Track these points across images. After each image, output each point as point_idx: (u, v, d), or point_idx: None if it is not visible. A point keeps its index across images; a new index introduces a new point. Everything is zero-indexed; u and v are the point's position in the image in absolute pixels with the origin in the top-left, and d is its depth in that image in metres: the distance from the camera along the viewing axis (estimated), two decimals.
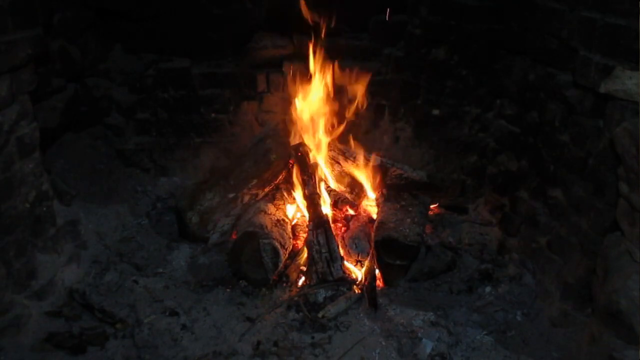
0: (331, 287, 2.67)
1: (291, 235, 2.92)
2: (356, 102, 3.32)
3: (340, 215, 3.21)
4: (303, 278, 2.78)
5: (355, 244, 2.93)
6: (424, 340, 2.36)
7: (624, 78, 2.06)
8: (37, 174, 2.48)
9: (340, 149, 3.30)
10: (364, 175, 3.21)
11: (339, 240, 2.89)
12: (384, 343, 2.38)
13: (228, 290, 2.69)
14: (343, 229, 3.11)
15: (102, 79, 3.34)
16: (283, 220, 2.96)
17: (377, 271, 2.73)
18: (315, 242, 2.73)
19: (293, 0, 3.14)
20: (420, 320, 2.49)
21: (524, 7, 2.84)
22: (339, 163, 3.26)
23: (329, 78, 3.25)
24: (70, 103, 3.10)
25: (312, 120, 3.27)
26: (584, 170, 2.38)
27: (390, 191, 3.10)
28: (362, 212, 3.19)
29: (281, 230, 2.83)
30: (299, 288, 2.72)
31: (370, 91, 3.44)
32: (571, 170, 2.49)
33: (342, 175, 3.26)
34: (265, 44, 3.41)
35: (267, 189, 3.14)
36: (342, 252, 2.85)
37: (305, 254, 2.85)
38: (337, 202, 3.27)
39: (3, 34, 2.18)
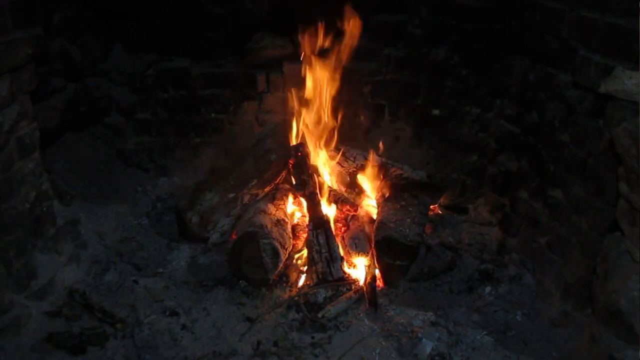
0: (331, 287, 2.67)
1: (291, 235, 2.92)
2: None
3: (340, 215, 3.21)
4: (303, 278, 2.78)
5: (355, 244, 2.93)
6: (424, 340, 2.36)
7: (624, 78, 2.06)
8: (37, 174, 2.48)
9: (340, 149, 3.30)
10: (364, 175, 3.21)
11: (339, 240, 2.89)
12: (384, 343, 2.38)
13: (228, 290, 2.69)
14: (343, 229, 3.11)
15: (102, 79, 3.34)
16: (283, 220, 2.96)
17: (377, 271, 2.73)
18: (315, 242, 2.73)
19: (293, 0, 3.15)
20: (420, 320, 2.49)
21: (524, 7, 2.84)
22: (339, 163, 3.26)
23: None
24: (70, 103, 3.10)
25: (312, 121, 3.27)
26: (584, 170, 2.38)
27: (390, 191, 3.10)
28: (362, 212, 3.19)
29: (281, 230, 2.83)
30: (299, 288, 2.72)
31: (370, 91, 3.44)
32: (571, 170, 2.49)
33: (342, 176, 3.26)
34: (265, 44, 3.42)
35: (267, 189, 3.14)
36: (342, 252, 2.86)
37: (305, 254, 2.85)
38: (337, 202, 3.27)
39: (3, 34, 2.18)
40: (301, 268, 2.83)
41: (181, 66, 3.42)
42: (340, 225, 3.14)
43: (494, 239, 3.10)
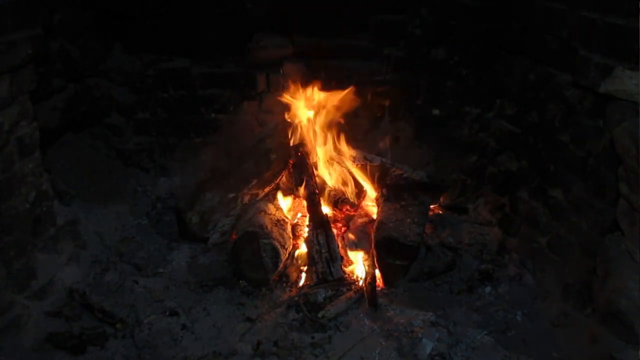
0: (331, 287, 2.67)
1: (291, 235, 2.92)
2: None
3: (340, 215, 3.21)
4: (303, 278, 2.78)
5: (355, 244, 2.93)
6: (424, 340, 2.36)
7: (624, 78, 2.06)
8: (37, 174, 2.48)
9: (341, 150, 3.30)
10: (363, 176, 3.21)
11: (339, 240, 2.89)
12: (384, 343, 2.38)
13: (228, 290, 2.69)
14: (343, 229, 3.11)
15: (102, 79, 3.34)
16: (283, 220, 2.96)
17: (377, 271, 2.72)
18: (315, 242, 2.73)
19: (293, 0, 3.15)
20: (420, 320, 2.48)
21: (524, 7, 2.84)
22: (339, 163, 3.26)
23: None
24: (70, 103, 3.10)
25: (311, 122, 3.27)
26: (584, 170, 2.38)
27: (390, 191, 3.10)
28: (362, 212, 3.19)
29: (281, 230, 2.83)
30: (299, 288, 2.72)
31: (370, 91, 3.44)
32: (571, 170, 2.49)
33: (342, 176, 3.26)
34: (265, 44, 3.41)
35: (267, 189, 3.14)
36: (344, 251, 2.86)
37: (305, 254, 2.85)
38: (337, 202, 3.26)
39: (3, 34, 2.18)
40: (301, 268, 2.83)
41: (181, 66, 3.41)
42: (340, 225, 3.14)
43: (494, 239, 3.10)
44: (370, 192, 3.23)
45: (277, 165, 3.13)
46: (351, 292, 2.63)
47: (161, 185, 3.53)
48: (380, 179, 3.17)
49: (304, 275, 2.79)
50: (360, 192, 3.25)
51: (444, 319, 2.52)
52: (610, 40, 2.16)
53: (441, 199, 3.35)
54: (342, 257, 2.79)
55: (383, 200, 3.08)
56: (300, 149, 3.17)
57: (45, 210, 2.55)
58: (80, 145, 3.32)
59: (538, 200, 2.78)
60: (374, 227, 2.89)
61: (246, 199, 3.04)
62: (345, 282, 2.71)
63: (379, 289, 2.70)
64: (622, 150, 2.01)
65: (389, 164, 3.23)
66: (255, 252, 2.64)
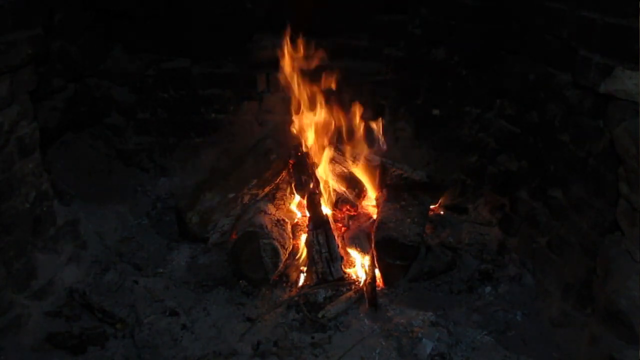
0: (331, 287, 2.67)
1: (291, 235, 2.92)
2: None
3: (340, 215, 3.21)
4: (303, 278, 2.78)
5: (355, 244, 2.93)
6: (424, 340, 2.36)
7: (624, 78, 2.06)
8: (37, 174, 2.48)
9: (340, 149, 3.30)
10: (364, 175, 3.21)
11: (339, 240, 2.89)
12: (384, 343, 2.38)
13: (228, 290, 2.69)
14: (343, 229, 3.11)
15: (102, 79, 3.34)
16: (283, 220, 2.96)
17: (377, 271, 2.72)
18: (315, 242, 2.73)
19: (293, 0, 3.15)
20: (420, 320, 2.48)
21: (524, 7, 2.84)
22: (339, 163, 3.26)
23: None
24: (70, 103, 3.10)
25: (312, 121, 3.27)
26: (584, 170, 2.38)
27: (390, 191, 3.10)
28: (362, 212, 3.19)
29: (281, 230, 2.83)
30: (299, 288, 2.72)
31: (370, 91, 3.44)
32: (571, 170, 2.49)
33: (342, 176, 3.26)
34: (265, 44, 3.41)
35: (267, 189, 3.14)
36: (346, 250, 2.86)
37: (305, 254, 2.85)
38: (337, 202, 3.26)
39: (3, 34, 2.18)
40: (301, 268, 2.83)
41: (181, 66, 3.41)
42: (340, 225, 3.14)
43: (494, 239, 3.10)
44: (370, 192, 3.23)
45: (277, 165, 3.13)
46: (351, 292, 2.63)
47: (161, 185, 3.53)
48: (380, 179, 3.17)
49: (303, 275, 2.79)
50: (360, 192, 3.25)
51: (444, 319, 2.52)
52: (610, 40, 2.16)
53: (441, 199, 3.35)
54: (342, 257, 2.79)
55: (383, 200, 3.08)
56: (300, 149, 3.16)
57: (45, 210, 2.55)
58: (80, 145, 3.32)
59: (538, 200, 2.78)
60: (374, 227, 2.89)
61: (246, 199, 3.05)
62: (345, 282, 2.71)
63: (379, 289, 2.70)
64: (622, 150, 2.00)
65: (389, 164, 3.23)
66: (255, 252, 2.64)
